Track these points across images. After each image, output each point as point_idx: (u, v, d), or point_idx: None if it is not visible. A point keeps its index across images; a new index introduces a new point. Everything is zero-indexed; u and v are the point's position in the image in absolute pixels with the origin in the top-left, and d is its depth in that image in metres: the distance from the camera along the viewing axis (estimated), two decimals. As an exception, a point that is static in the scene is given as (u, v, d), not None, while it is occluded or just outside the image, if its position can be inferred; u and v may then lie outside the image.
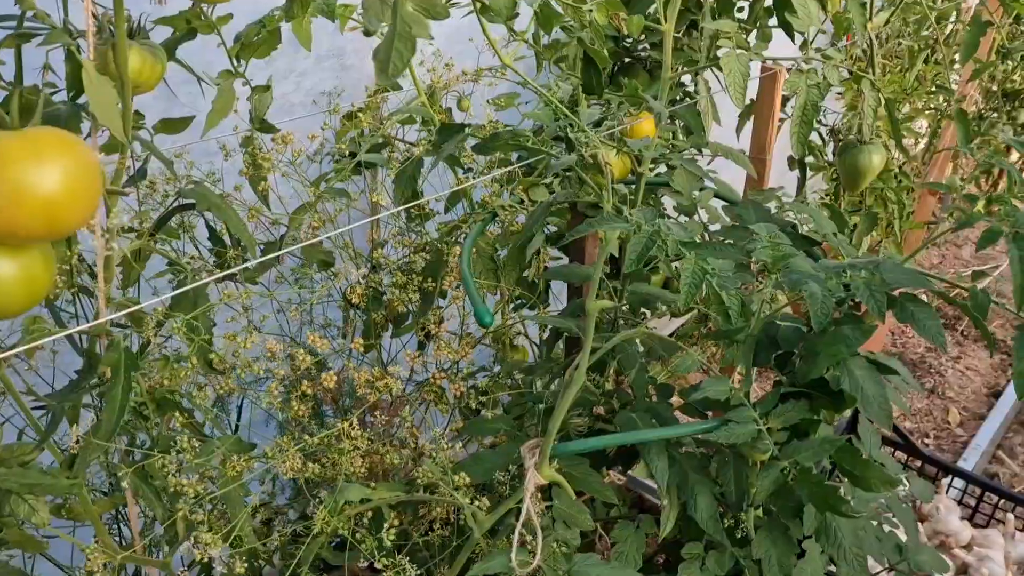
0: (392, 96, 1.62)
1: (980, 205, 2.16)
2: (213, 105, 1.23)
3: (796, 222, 1.46)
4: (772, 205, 1.49)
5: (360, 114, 1.54)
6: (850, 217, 2.11)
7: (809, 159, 2.19)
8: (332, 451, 1.19)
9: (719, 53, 1.43)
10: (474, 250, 1.42)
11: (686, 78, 2.05)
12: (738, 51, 1.42)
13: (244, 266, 1.24)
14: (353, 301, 1.48)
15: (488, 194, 1.44)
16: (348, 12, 1.33)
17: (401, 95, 1.59)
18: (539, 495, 1.06)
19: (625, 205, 1.36)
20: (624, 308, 1.29)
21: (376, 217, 1.39)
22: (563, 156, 1.20)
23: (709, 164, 1.95)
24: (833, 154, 2.18)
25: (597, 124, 1.54)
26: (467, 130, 1.29)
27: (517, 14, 1.08)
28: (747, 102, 2.16)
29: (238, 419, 1.56)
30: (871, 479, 1.11)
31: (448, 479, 1.11)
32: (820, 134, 2.20)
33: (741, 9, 1.92)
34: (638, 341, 1.23)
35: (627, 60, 2.03)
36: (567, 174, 1.42)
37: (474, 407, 1.37)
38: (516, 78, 1.49)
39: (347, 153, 1.50)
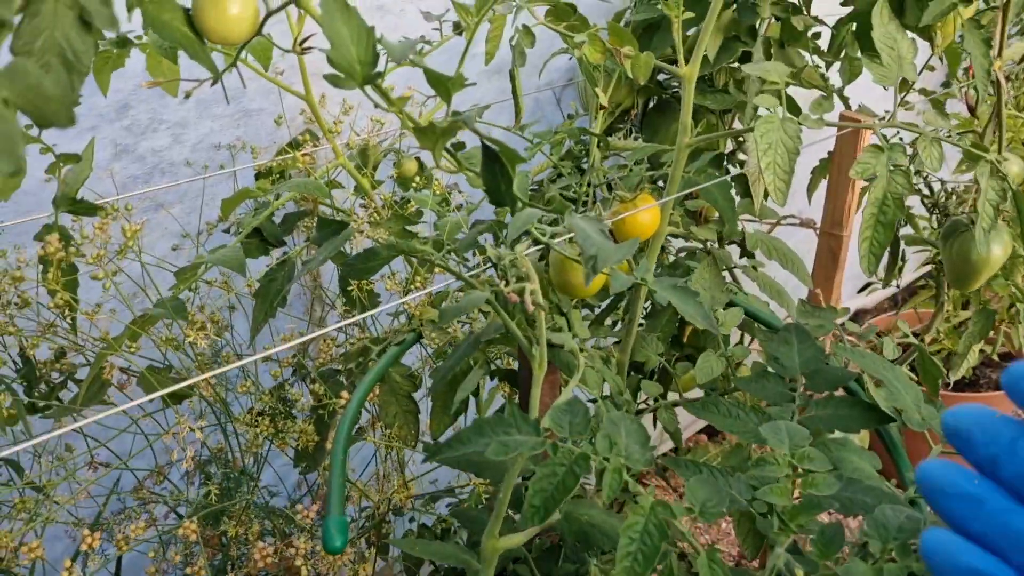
0: (325, 150, 1.21)
1: None
2: (-25, 187, 0.84)
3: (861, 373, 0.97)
4: (827, 345, 1.02)
5: (268, 175, 1.14)
6: (956, 311, 1.57)
7: (906, 230, 1.66)
8: None
9: (758, 122, 0.96)
10: (382, 387, 1.00)
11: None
12: (783, 115, 0.94)
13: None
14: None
15: (413, 301, 1.01)
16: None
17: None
18: None
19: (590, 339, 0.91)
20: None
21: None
22: (472, 292, 0.76)
23: (771, 231, 1.47)
24: (938, 227, 1.65)
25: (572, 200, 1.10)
26: (356, 230, 0.87)
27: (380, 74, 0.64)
28: (825, 154, 1.66)
29: None
30: None
31: None
32: (922, 198, 1.67)
33: (819, 36, 1.42)
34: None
35: (663, 96, 1.56)
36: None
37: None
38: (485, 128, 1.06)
39: (236, 230, 1.10)
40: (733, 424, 0.91)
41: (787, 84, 1.06)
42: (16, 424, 1.05)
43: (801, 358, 0.97)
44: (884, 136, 0.97)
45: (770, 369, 0.98)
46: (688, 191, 1.04)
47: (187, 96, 0.96)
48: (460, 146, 0.71)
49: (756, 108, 1.16)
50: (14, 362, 1.00)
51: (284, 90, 1.03)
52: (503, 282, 0.77)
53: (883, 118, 1.54)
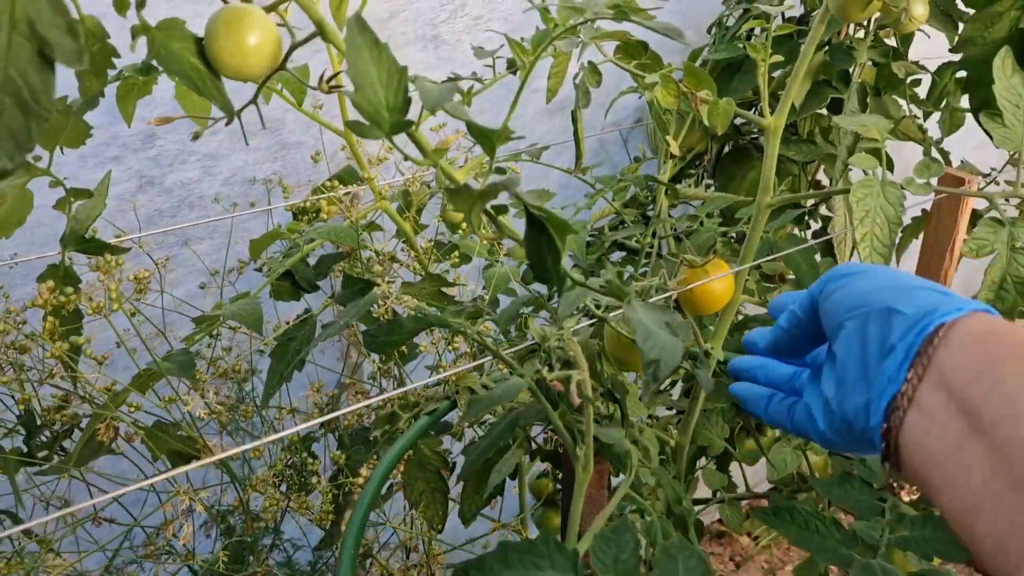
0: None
1: None
2: (-26, 222, 0.77)
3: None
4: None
5: (302, 214, 1.05)
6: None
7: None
8: None
9: (855, 186, 0.83)
10: (409, 460, 0.89)
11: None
12: (884, 177, 0.81)
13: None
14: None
15: (448, 363, 0.91)
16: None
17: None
18: None
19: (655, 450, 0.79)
20: None
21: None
22: (509, 380, 0.65)
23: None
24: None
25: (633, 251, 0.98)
26: (385, 286, 0.76)
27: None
28: (919, 212, 1.51)
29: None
30: None
31: None
32: None
33: (918, 83, 1.28)
34: None
35: (740, 141, 1.44)
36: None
37: None
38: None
39: (268, 270, 1.01)
40: (810, 540, 0.77)
41: (880, 144, 0.93)
42: (17, 473, 0.97)
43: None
44: (998, 209, 0.83)
45: (855, 472, 0.84)
46: (768, 259, 0.92)
47: (227, 123, 0.88)
48: (503, 209, 0.61)
49: (845, 165, 1.03)
50: (11, 411, 0.92)
51: (323, 126, 0.94)
52: (547, 367, 0.66)
53: (988, 175, 1.39)
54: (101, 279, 0.77)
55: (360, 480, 0.81)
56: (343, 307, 0.79)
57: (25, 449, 0.92)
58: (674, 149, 1.00)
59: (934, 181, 0.86)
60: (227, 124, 0.68)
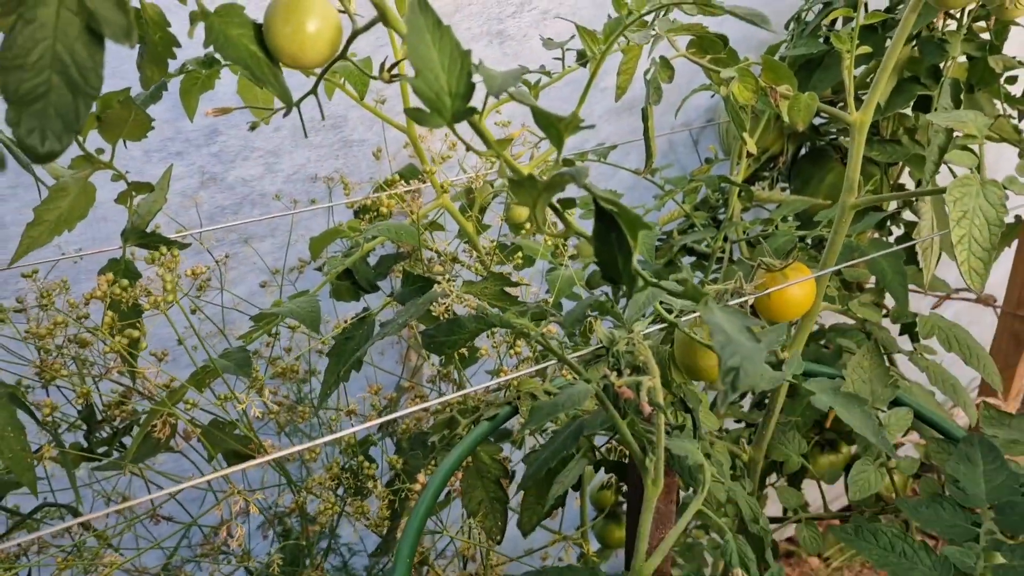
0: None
1: None
2: (37, 215, 0.76)
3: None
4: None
5: (363, 213, 1.03)
6: None
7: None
8: None
9: (952, 184, 0.77)
10: (467, 467, 0.85)
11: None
12: (983, 178, 0.75)
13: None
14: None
15: (509, 367, 0.87)
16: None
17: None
18: None
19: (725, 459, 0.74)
20: None
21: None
22: (574, 385, 0.61)
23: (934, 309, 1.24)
24: None
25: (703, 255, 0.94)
26: (446, 283, 0.73)
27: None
28: (1012, 218, 1.42)
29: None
30: None
31: None
32: None
33: (1013, 81, 1.20)
34: None
35: (817, 143, 1.37)
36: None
37: None
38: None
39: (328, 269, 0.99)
40: (896, 565, 0.71)
41: (978, 140, 0.86)
42: (78, 468, 0.97)
43: (988, 483, 0.77)
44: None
45: (946, 492, 0.78)
46: (851, 263, 0.86)
47: (285, 113, 0.86)
48: (569, 203, 0.57)
49: (937, 164, 0.96)
50: (72, 405, 0.92)
51: (385, 121, 0.92)
52: (615, 372, 0.62)
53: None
54: (158, 272, 0.76)
55: (417, 487, 0.78)
56: (402, 306, 0.76)
57: (85, 444, 0.92)
58: (751, 147, 0.95)
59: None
60: (285, 115, 0.65)
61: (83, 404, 0.91)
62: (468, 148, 0.61)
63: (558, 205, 0.57)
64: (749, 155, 1.02)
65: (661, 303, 0.70)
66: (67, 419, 0.93)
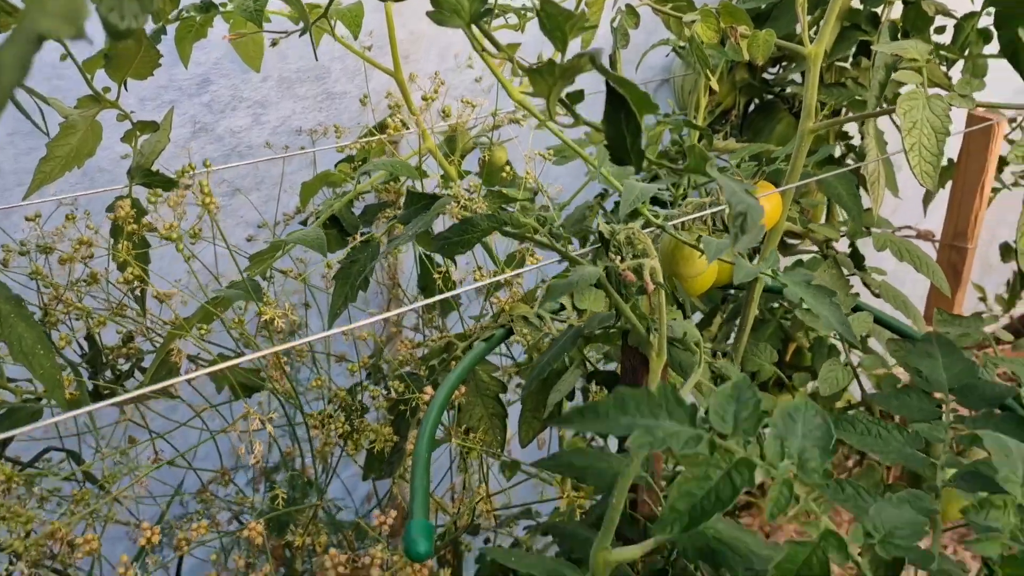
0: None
1: None
2: (49, 150, 0.79)
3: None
4: (975, 353, 0.89)
5: (349, 162, 1.07)
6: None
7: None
8: None
9: (901, 92, 0.85)
10: (466, 386, 0.90)
11: (851, 129, 1.44)
12: (932, 90, 0.83)
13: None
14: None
15: (504, 296, 0.92)
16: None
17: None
18: None
19: (709, 343, 0.81)
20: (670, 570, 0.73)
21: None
22: (582, 266, 0.66)
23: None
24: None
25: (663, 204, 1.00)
26: (452, 198, 0.78)
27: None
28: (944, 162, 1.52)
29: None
30: None
31: None
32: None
33: (942, 30, 1.30)
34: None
35: (766, 97, 1.46)
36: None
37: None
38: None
39: (322, 219, 1.03)
40: (875, 444, 0.79)
41: (920, 66, 0.95)
42: (80, 410, 0.99)
43: (948, 372, 0.85)
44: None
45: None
46: (809, 179, 0.94)
47: (275, 41, 0.87)
48: (578, 96, 0.62)
49: (881, 92, 1.05)
50: (80, 345, 0.94)
51: (372, 65, 0.97)
52: (618, 257, 0.68)
53: (1014, 119, 1.41)
54: (170, 202, 0.79)
55: (425, 397, 0.83)
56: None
57: (91, 387, 0.94)
58: (714, 84, 1.02)
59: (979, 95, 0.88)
60: (300, 36, 0.70)
61: (89, 345, 0.93)
62: (469, 63, 0.66)
63: (567, 100, 0.63)
64: (712, 94, 1.10)
65: (650, 210, 0.76)
66: (69, 364, 0.95)
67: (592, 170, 1.03)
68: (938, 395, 0.85)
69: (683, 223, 0.82)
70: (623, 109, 0.56)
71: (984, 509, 0.52)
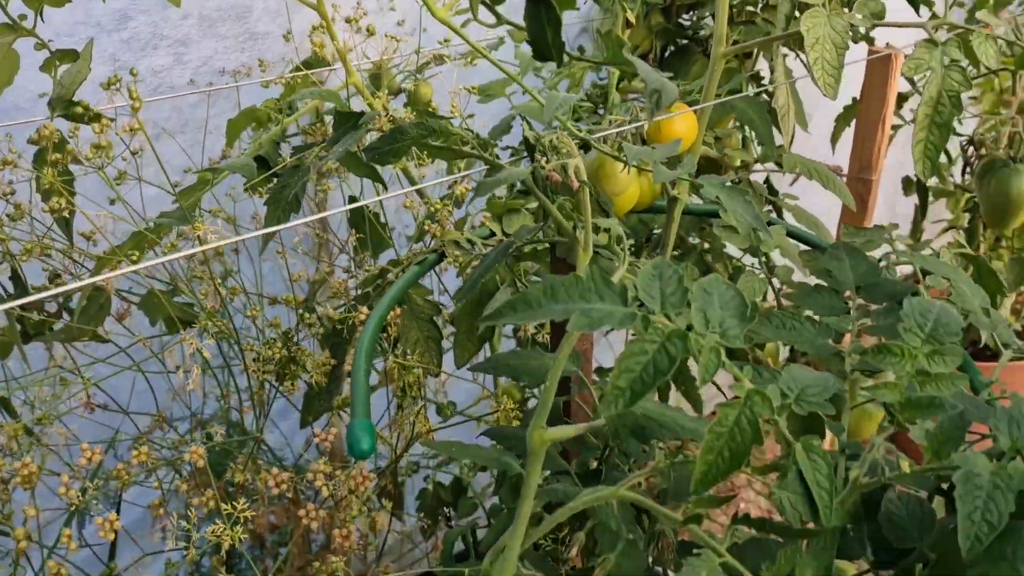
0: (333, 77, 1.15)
1: None
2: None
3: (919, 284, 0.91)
4: (881, 253, 0.95)
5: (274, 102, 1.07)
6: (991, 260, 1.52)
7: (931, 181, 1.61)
8: None
9: (804, 15, 0.90)
10: (401, 310, 0.93)
11: (764, 67, 1.51)
12: (831, 11, 0.89)
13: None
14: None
15: (431, 222, 0.95)
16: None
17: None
18: None
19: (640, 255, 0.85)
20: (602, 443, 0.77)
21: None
22: (511, 167, 0.69)
23: (792, 185, 1.41)
24: (964, 175, 1.59)
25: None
26: (374, 121, 0.80)
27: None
28: (849, 101, 1.61)
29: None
30: None
31: None
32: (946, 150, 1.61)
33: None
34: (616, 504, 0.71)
35: (681, 41, 1.51)
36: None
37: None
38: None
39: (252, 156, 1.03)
40: (789, 335, 0.84)
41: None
42: (8, 356, 0.97)
43: (855, 272, 0.91)
44: (932, 38, 0.92)
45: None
46: (722, 99, 0.98)
47: None
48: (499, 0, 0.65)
49: (784, 29, 1.10)
50: (2, 287, 0.92)
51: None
52: (543, 158, 0.71)
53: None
54: (95, 129, 0.79)
55: (362, 316, 0.85)
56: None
57: (19, 327, 0.93)
58: (631, 16, 1.06)
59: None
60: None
61: (14, 284, 0.92)
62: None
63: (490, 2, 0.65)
64: (631, 26, 1.13)
65: (572, 125, 0.79)
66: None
67: (515, 107, 1.06)
68: (847, 294, 0.91)
69: (604, 139, 0.85)
70: (543, 4, 0.59)
71: (883, 354, 0.57)
